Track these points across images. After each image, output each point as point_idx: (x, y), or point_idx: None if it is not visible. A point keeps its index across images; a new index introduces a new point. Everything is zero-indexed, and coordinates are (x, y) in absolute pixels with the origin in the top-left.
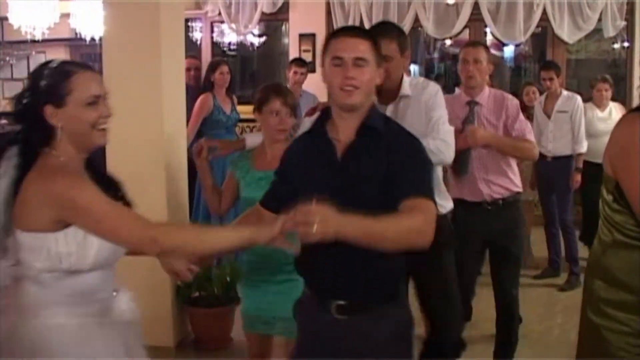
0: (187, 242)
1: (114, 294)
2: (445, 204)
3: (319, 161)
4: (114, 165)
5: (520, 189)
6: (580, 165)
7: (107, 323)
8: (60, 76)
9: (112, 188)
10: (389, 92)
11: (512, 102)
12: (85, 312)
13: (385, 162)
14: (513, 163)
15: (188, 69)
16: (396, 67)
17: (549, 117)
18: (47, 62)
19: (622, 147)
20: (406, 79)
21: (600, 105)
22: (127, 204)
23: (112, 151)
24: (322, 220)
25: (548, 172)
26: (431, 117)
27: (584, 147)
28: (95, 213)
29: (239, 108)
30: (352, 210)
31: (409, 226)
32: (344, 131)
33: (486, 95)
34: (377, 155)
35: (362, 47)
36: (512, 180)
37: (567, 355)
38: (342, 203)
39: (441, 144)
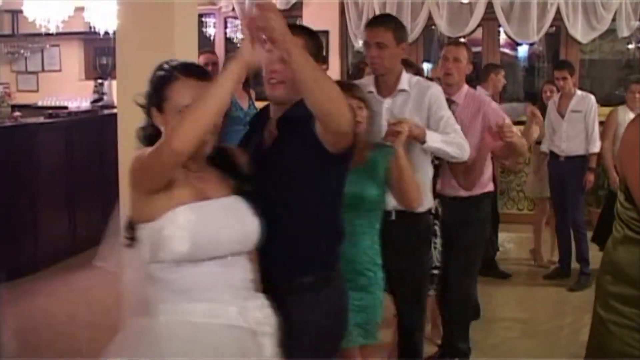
0: (193, 118)
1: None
2: (424, 203)
3: (251, 152)
4: (127, 161)
5: (487, 190)
6: (594, 165)
7: (220, 326)
8: (164, 80)
9: (241, 181)
10: (386, 84)
11: (490, 107)
12: (192, 311)
13: (312, 150)
14: (487, 169)
15: (206, 64)
16: (391, 56)
17: (562, 116)
18: (167, 61)
19: (627, 145)
20: (405, 75)
21: (634, 108)
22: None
23: (124, 146)
24: (276, 19)
25: (561, 171)
26: (441, 116)
27: (597, 147)
28: (141, 158)
29: (256, 104)
30: (278, 202)
31: (341, 94)
32: (274, 124)
33: (463, 94)
34: (301, 145)
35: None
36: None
37: (576, 355)
38: (269, 193)
39: (464, 142)
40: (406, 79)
